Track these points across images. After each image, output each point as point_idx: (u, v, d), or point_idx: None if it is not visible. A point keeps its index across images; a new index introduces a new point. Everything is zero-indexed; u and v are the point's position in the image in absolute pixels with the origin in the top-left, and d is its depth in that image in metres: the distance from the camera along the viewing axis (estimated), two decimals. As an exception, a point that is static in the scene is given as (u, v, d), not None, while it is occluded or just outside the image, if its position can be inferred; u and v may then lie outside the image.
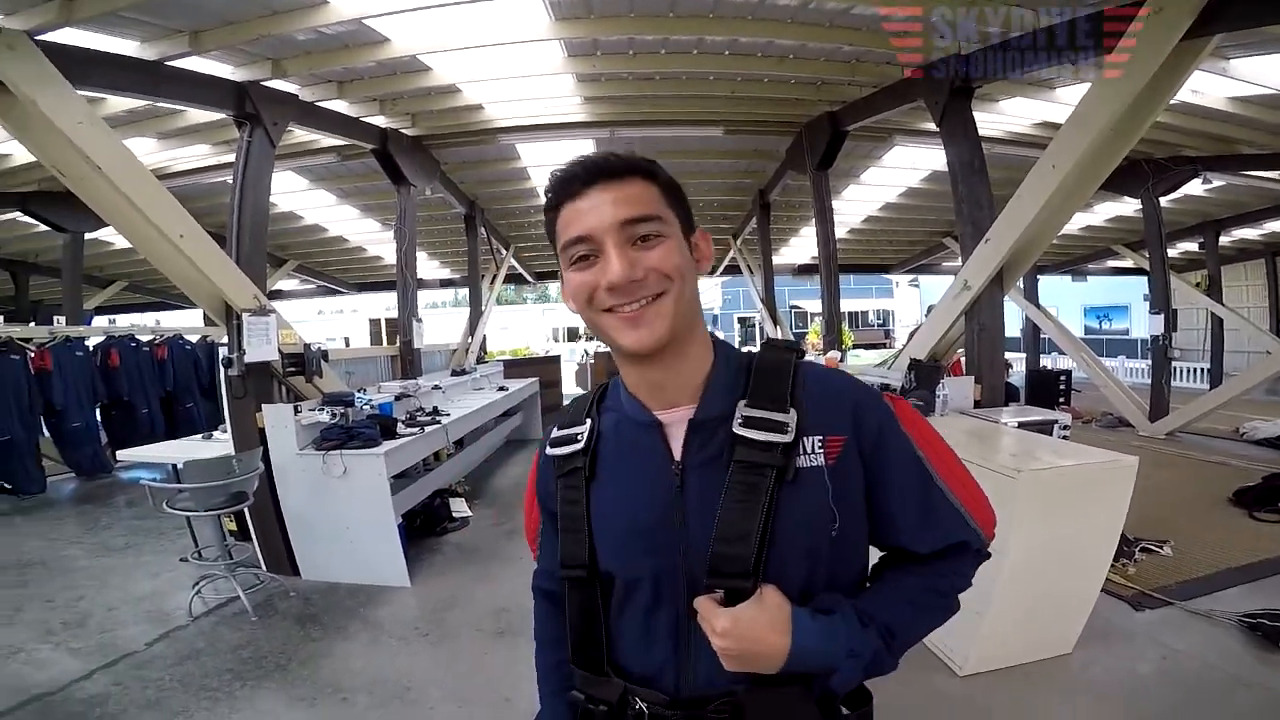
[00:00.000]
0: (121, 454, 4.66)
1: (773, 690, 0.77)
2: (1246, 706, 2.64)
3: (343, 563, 4.09)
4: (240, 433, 4.20)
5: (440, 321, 18.44)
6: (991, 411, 4.06)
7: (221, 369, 4.20)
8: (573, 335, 29.78)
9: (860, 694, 0.85)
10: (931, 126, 5.10)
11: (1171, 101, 4.96)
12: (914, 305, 29.35)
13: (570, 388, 10.97)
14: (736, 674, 0.76)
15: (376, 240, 11.30)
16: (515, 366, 10.09)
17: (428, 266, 13.13)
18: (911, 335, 5.70)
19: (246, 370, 4.15)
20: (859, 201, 10.08)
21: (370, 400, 4.34)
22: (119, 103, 4.97)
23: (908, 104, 5.19)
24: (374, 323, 25.67)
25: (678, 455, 0.83)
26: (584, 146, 7.09)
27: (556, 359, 10.52)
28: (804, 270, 13.98)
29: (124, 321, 12.48)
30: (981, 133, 4.95)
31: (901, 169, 8.34)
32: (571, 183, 0.78)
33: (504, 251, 11.14)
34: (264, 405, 4.13)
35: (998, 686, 2.79)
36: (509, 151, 7.60)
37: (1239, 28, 3.42)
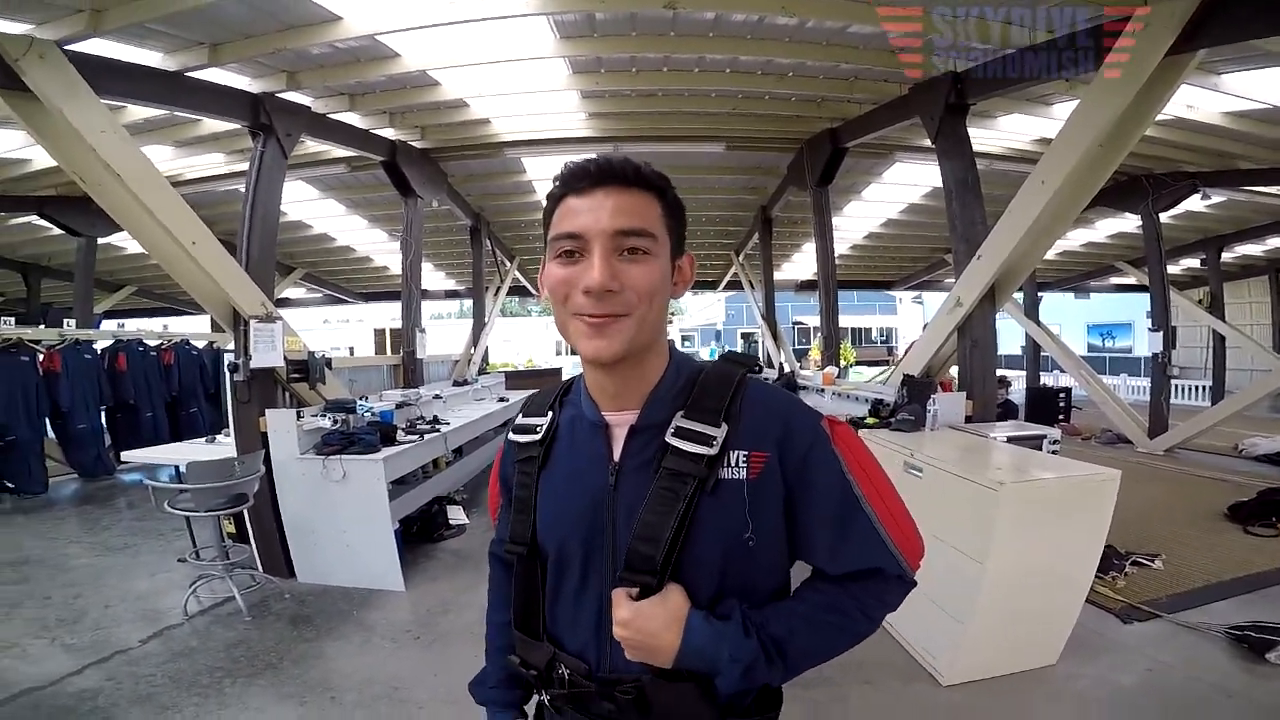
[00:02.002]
0: (126, 455, 4.72)
1: (673, 683, 0.82)
2: (1230, 718, 2.64)
3: (338, 566, 4.14)
4: (243, 436, 4.27)
5: (444, 332, 18.52)
6: (982, 427, 4.08)
7: (227, 374, 4.27)
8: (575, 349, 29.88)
9: (770, 698, 0.90)
10: (929, 143, 5.15)
11: (1166, 116, 5.00)
12: (917, 322, 29.36)
13: None
14: (643, 663, 0.83)
15: (383, 250, 11.45)
16: (517, 378, 10.16)
17: (433, 277, 13.25)
18: (906, 351, 5.73)
19: (252, 376, 4.23)
20: (861, 218, 10.14)
21: (371, 408, 4.40)
22: (138, 111, 5.11)
23: (906, 121, 5.26)
24: (379, 333, 25.93)
25: (616, 456, 0.89)
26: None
27: (558, 371, 10.56)
28: (806, 286, 13.97)
29: (132, 326, 12.63)
30: (980, 149, 4.99)
31: (903, 185, 8.40)
32: (581, 178, 0.81)
33: (508, 264, 11.25)
34: (267, 410, 4.19)
35: (981, 697, 2.80)
36: (515, 165, 7.71)
37: (1222, 42, 3.45)
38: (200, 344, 8.90)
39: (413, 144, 6.55)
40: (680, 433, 0.85)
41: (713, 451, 0.83)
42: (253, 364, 4.19)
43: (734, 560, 0.84)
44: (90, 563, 4.71)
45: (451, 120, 6.19)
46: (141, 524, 5.59)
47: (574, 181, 0.82)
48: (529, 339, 30.20)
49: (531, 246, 11.54)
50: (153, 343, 8.27)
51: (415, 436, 4.70)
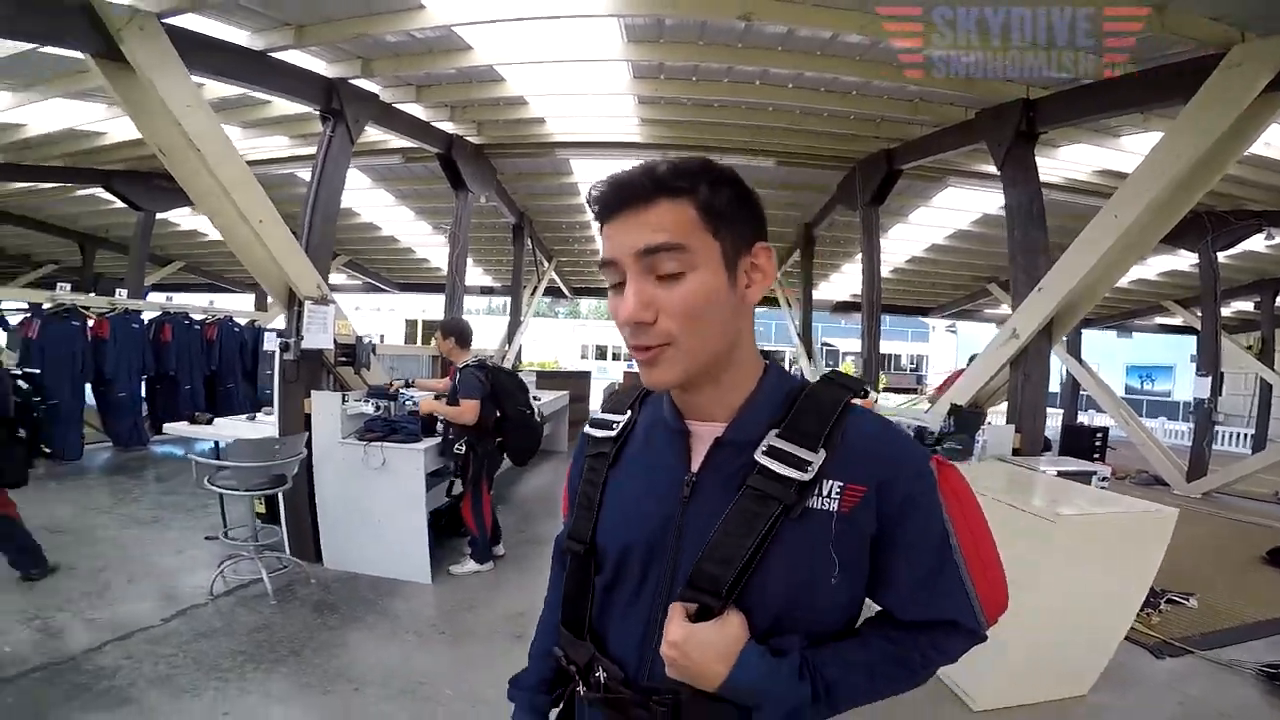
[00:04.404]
0: (169, 427, 4.77)
1: (711, 702, 0.78)
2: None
3: (367, 554, 4.13)
4: (287, 416, 4.26)
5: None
6: (1030, 460, 4.01)
7: (276, 352, 4.28)
8: (601, 353, 30.02)
9: None
10: (987, 169, 5.06)
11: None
12: (950, 352, 28.91)
13: (597, 405, 10.89)
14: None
15: (426, 243, 11.62)
16: (546, 378, 10.17)
17: (471, 273, 13.38)
18: (948, 381, 5.62)
19: (301, 356, 4.23)
20: (905, 240, 9.99)
21: (412, 397, 4.36)
22: (213, 89, 5.15)
23: (969, 146, 5.18)
24: (410, 323, 26.30)
25: (694, 467, 0.84)
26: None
27: (587, 375, 10.52)
28: (841, 307, 13.90)
29: (178, 300, 12.91)
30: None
31: (952, 210, 8.27)
32: (602, 205, 0.79)
33: (546, 264, 11.32)
34: (313, 391, 4.19)
35: (1010, 725, 2.75)
36: (563, 166, 7.77)
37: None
38: (242, 321, 9.06)
39: (468, 139, 6.62)
40: (772, 452, 0.78)
41: (807, 477, 0.76)
42: (304, 344, 4.19)
43: (803, 593, 0.79)
44: (117, 535, 4.72)
45: (509, 117, 6.23)
46: (170, 498, 5.63)
47: (599, 210, 0.79)
48: (555, 341, 30.35)
49: (570, 249, 11.59)
50: (198, 317, 8.42)
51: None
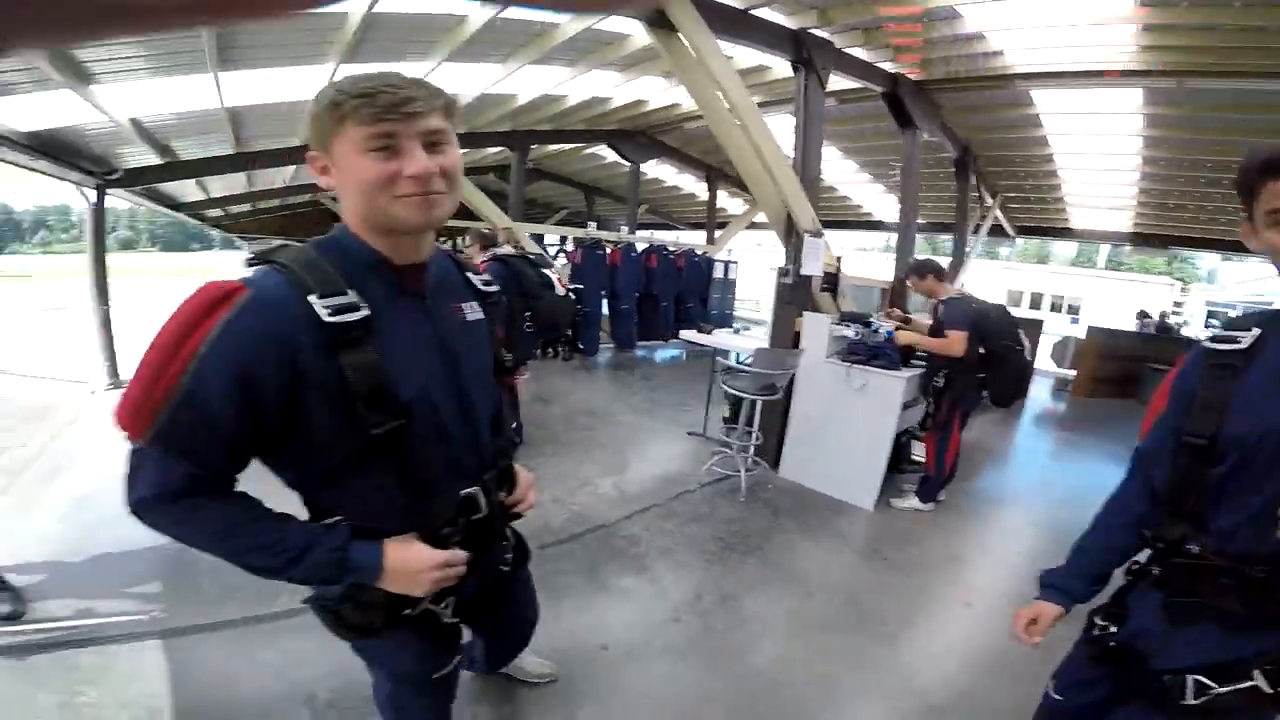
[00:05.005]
0: (683, 333, 6.00)
1: None
2: None
3: (819, 470, 4.32)
4: (779, 334, 4.71)
5: (867, 265, 17.82)
6: None
7: (776, 277, 4.78)
8: (1035, 302, 25.76)
9: None
10: None
11: None
12: None
13: (1043, 363, 9.44)
14: None
15: (849, 181, 11.59)
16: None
17: (890, 208, 12.92)
18: None
19: (798, 281, 4.65)
20: None
21: (883, 325, 4.33)
22: None
23: None
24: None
25: None
26: (1132, 96, 6.52)
27: (1039, 324, 9.00)
28: None
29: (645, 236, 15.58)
30: None
31: None
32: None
33: (990, 200, 10.24)
34: (805, 312, 4.50)
35: None
36: (1022, 98, 7.08)
37: None
38: (699, 253, 10.64)
39: (908, 76, 6.40)
40: None
41: None
42: (801, 271, 4.59)
43: None
44: (627, 421, 5.71)
45: (960, 53, 5.89)
46: (653, 395, 6.85)
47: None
48: (975, 283, 26.92)
49: (1021, 184, 10.23)
50: (671, 248, 10.20)
51: (922, 363, 4.41)
